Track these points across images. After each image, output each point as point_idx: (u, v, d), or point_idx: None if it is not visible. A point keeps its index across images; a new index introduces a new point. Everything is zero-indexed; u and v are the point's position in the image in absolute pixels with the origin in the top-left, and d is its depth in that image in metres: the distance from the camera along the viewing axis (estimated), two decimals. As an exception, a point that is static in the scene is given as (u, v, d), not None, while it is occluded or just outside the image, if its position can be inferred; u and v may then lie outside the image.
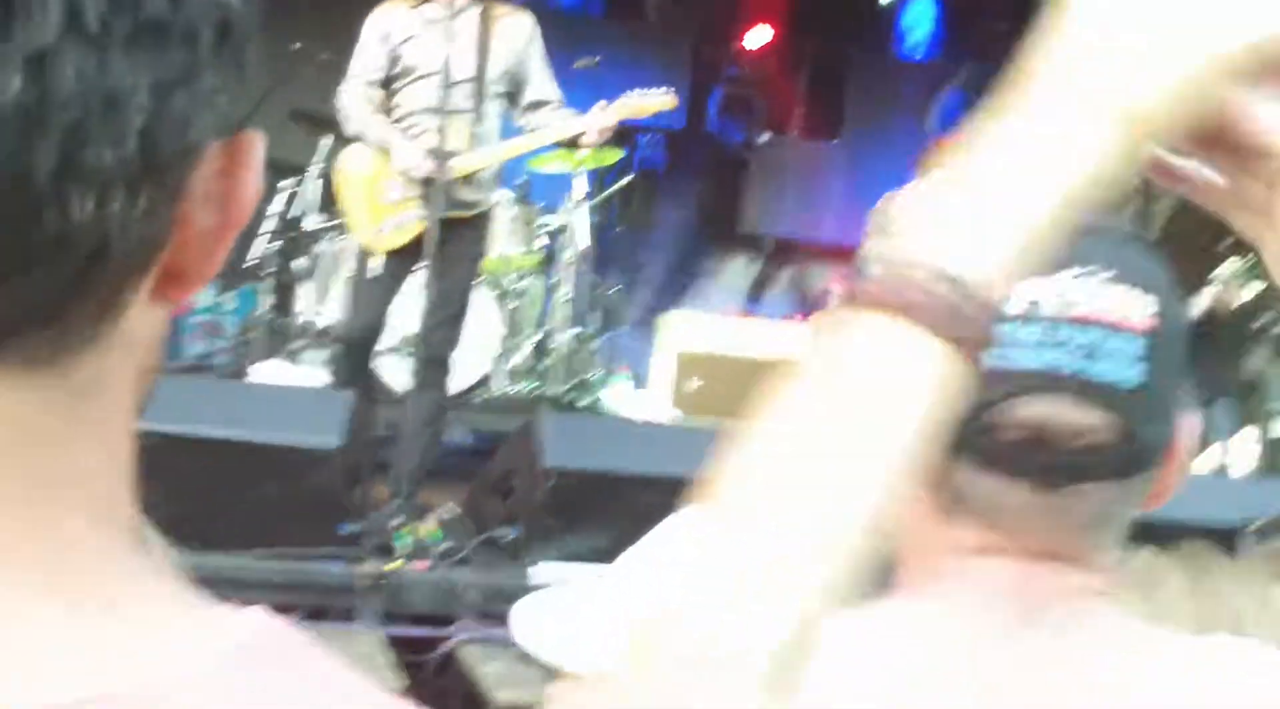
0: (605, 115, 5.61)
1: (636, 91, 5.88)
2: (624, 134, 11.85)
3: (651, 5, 12.42)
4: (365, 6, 5.75)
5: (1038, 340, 1.03)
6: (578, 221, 8.40)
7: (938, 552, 1.10)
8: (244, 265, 8.33)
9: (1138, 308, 1.05)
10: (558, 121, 5.66)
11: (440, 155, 5.31)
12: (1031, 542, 1.07)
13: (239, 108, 0.65)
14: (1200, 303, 11.14)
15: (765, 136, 12.45)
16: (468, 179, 5.48)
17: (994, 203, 0.76)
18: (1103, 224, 1.08)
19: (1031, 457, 1.04)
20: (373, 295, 5.53)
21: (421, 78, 5.43)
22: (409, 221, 5.44)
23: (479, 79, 5.46)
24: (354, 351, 5.56)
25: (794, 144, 12.75)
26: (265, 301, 8.37)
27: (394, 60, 5.48)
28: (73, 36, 0.56)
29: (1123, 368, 1.03)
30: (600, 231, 8.86)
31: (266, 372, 7.49)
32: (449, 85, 5.29)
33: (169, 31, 0.59)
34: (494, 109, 5.59)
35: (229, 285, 8.78)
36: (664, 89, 5.93)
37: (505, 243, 7.99)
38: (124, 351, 0.64)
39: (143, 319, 0.64)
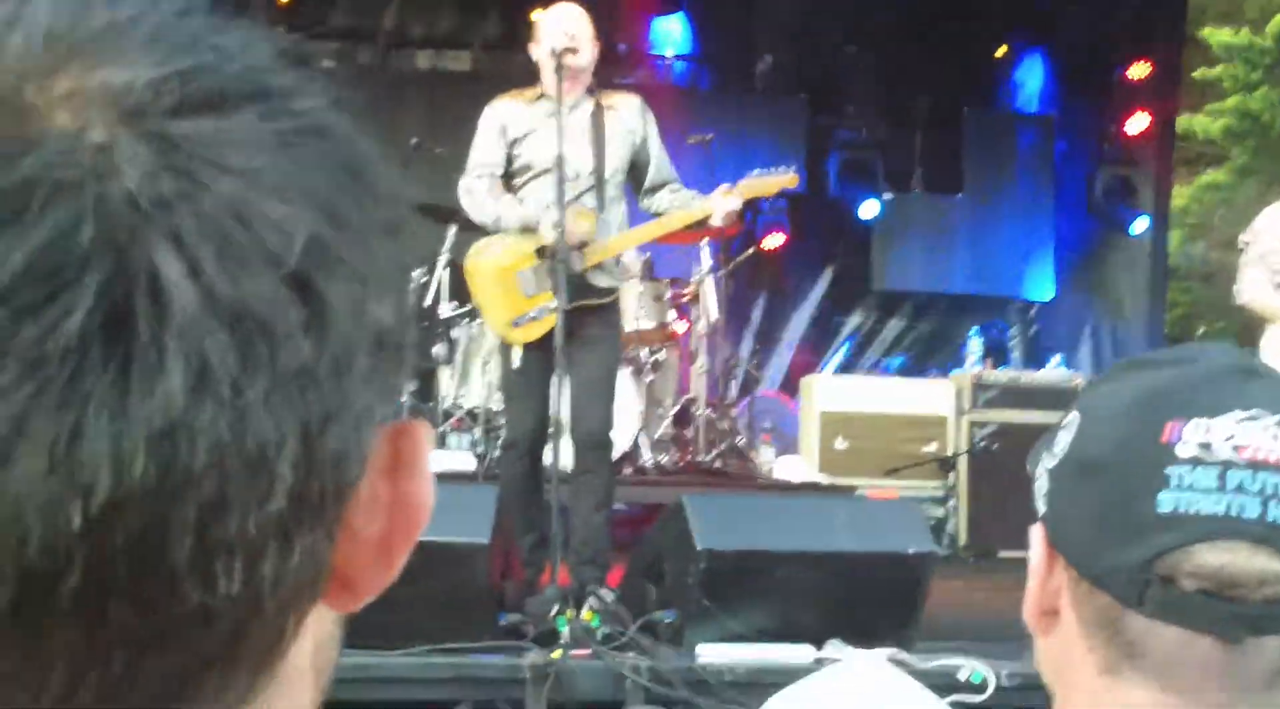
0: (729, 199, 5.60)
1: (758, 171, 5.85)
2: (746, 203, 11.95)
3: (760, 74, 12.46)
4: (478, 101, 5.84)
5: (1213, 485, 1.00)
6: (707, 292, 8.44)
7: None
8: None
9: None
10: (681, 205, 5.67)
11: (565, 247, 5.31)
12: (1209, 699, 1.02)
13: (400, 393, 0.59)
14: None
15: (888, 196, 12.40)
16: (599, 266, 5.52)
17: None
18: (1256, 366, 1.06)
19: (1215, 608, 1.00)
20: (529, 393, 5.53)
21: (540, 174, 5.48)
22: (546, 313, 5.44)
23: (598, 171, 5.50)
24: (527, 452, 5.53)
25: (917, 201, 12.71)
26: (407, 389, 8.50)
27: (512, 156, 5.55)
28: (202, 403, 0.49)
29: None
30: (731, 300, 8.89)
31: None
32: (568, 180, 5.34)
33: (315, 374, 0.51)
34: (616, 196, 5.63)
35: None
36: (786, 167, 5.89)
37: (636, 318, 8.03)
38: (294, 674, 0.58)
39: (314, 627, 0.58)
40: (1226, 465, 1.00)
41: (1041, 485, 1.09)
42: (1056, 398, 8.65)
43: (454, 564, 4.56)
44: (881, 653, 4.64)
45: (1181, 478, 1.00)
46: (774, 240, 11.98)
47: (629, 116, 5.64)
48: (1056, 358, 9.46)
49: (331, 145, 0.55)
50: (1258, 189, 18.46)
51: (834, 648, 4.68)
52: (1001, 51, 12.74)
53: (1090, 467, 1.04)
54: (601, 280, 5.54)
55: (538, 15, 5.64)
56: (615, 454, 7.41)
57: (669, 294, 8.29)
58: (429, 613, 4.51)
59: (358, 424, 0.53)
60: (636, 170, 5.68)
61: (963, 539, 8.50)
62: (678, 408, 8.43)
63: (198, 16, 0.55)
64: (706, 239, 8.41)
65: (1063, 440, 1.08)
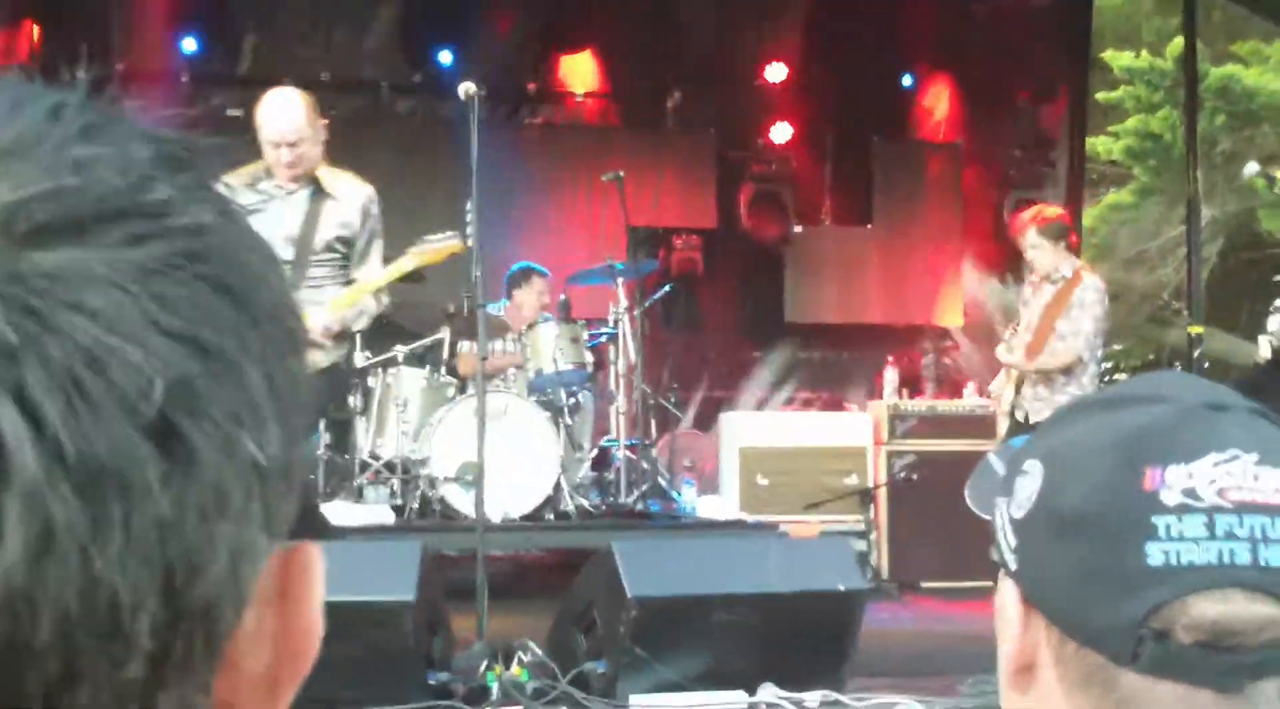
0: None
1: (424, 240, 6.16)
2: (659, 239, 12.00)
3: (670, 110, 12.49)
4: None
5: (1202, 533, 0.95)
6: (624, 332, 8.41)
7: None
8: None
9: None
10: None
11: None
12: None
13: (289, 518, 0.53)
14: (1265, 343, 11.02)
15: (798, 229, 12.47)
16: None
17: None
18: (1225, 399, 1.02)
19: (1214, 660, 0.95)
20: None
21: None
22: None
23: (301, 252, 5.77)
24: None
25: (827, 233, 12.78)
26: (323, 441, 8.37)
27: None
28: (44, 571, 0.44)
29: None
30: (648, 339, 8.87)
31: (333, 510, 7.48)
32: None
33: (179, 525, 0.47)
34: (325, 274, 5.89)
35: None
36: (453, 234, 6.15)
37: (554, 360, 7.98)
38: None
39: None
40: (1214, 511, 0.96)
41: (1007, 539, 1.04)
42: (973, 426, 8.72)
43: (379, 623, 4.48)
44: (815, 695, 4.62)
45: (1169, 527, 0.95)
46: (688, 277, 12.02)
47: (348, 211, 5.92)
48: (972, 384, 9.51)
49: (206, 267, 0.50)
50: (1160, 209, 18.76)
51: (767, 692, 4.64)
52: (908, 80, 12.88)
53: (1068, 520, 0.98)
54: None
55: (261, 102, 5.84)
56: (539, 498, 7.37)
57: (585, 334, 8.25)
58: (354, 676, 4.42)
59: (233, 566, 0.49)
60: (348, 254, 5.98)
61: (885, 572, 8.51)
62: (596, 450, 8.38)
63: (67, 118, 0.50)
64: (621, 280, 8.41)
65: (1025, 489, 1.02)
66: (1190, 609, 0.95)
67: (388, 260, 6.33)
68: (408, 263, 6.13)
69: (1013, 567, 1.03)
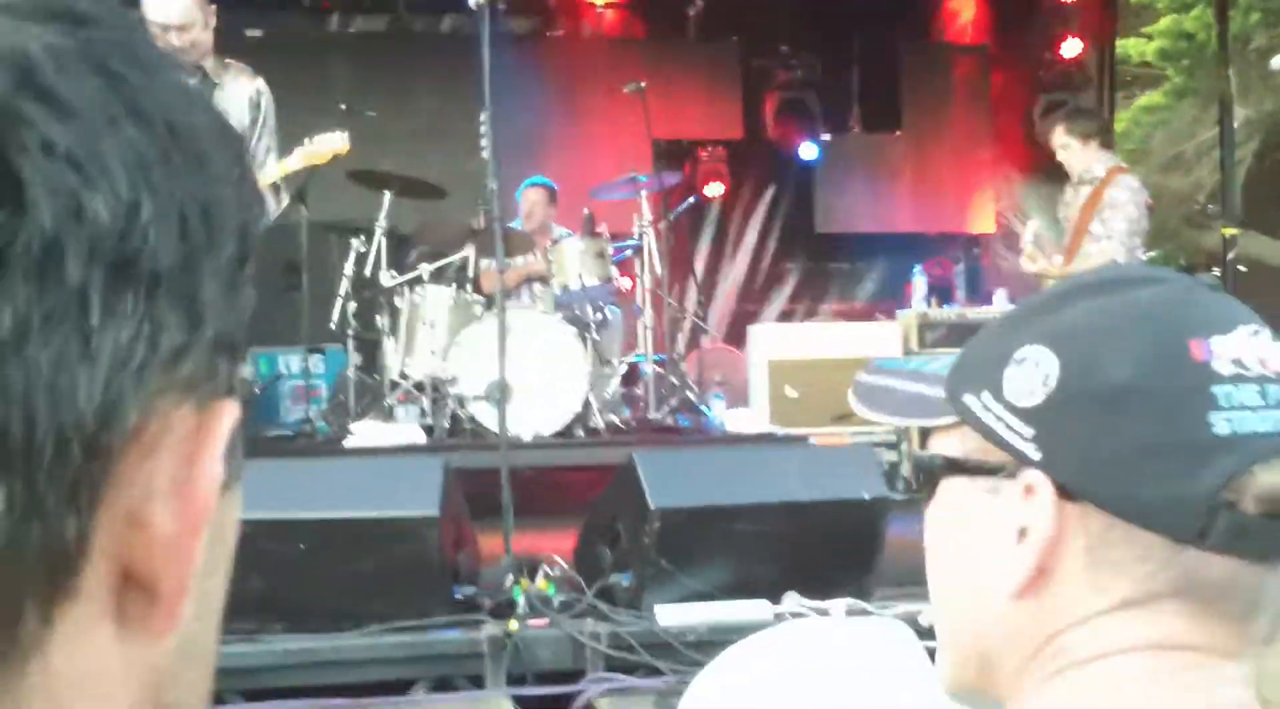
0: None
1: (315, 138, 6.16)
2: (683, 152, 11.91)
3: (692, 22, 12.35)
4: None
5: (1258, 402, 0.95)
6: (649, 246, 8.36)
7: (1123, 647, 0.98)
8: (327, 328, 8.38)
9: None
10: None
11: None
12: (1252, 630, 0.97)
13: (192, 348, 0.48)
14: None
15: (825, 137, 12.36)
16: None
17: None
18: (1215, 283, 1.01)
19: (1276, 531, 0.94)
20: None
21: None
22: None
23: None
24: None
25: (856, 141, 12.66)
26: (352, 362, 8.39)
27: None
28: None
29: None
30: (673, 252, 8.82)
31: (364, 430, 7.51)
32: None
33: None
34: None
35: (314, 349, 8.83)
36: (337, 133, 6.19)
37: (579, 275, 7.95)
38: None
39: (113, 657, 0.49)
40: (1263, 380, 0.95)
41: (1017, 429, 0.98)
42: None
43: (404, 539, 4.48)
44: (839, 603, 4.61)
45: (1230, 396, 0.94)
46: (714, 189, 11.95)
47: (236, 103, 5.83)
48: (1002, 292, 9.43)
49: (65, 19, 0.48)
50: (1194, 110, 18.50)
51: (791, 601, 4.64)
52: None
53: (1112, 397, 0.95)
54: None
55: None
56: (568, 415, 7.36)
57: (610, 249, 8.21)
58: (381, 591, 4.45)
59: (89, 368, 0.44)
60: None
61: (916, 482, 8.51)
62: (624, 366, 8.37)
63: None
64: (645, 192, 8.35)
65: (1029, 376, 0.98)
66: (1258, 478, 0.93)
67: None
68: (294, 162, 6.12)
69: (1035, 457, 0.98)
